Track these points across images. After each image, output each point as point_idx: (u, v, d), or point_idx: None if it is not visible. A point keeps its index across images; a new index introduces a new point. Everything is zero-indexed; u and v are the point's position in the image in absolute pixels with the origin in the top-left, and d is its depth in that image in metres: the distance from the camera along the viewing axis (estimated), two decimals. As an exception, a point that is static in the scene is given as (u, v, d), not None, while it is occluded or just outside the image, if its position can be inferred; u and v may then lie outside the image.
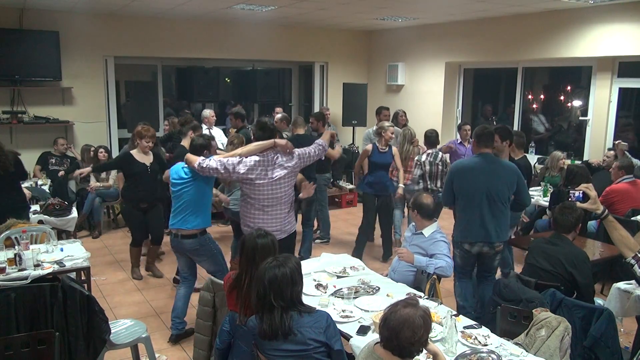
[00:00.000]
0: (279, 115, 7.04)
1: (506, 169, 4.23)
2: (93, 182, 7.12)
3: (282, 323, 2.45)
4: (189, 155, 4.11)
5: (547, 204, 5.96)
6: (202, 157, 4.03)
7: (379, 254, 6.36)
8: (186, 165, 4.15)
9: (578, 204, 2.80)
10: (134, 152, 5.43)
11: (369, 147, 6.04)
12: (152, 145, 5.44)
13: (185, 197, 4.18)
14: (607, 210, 2.76)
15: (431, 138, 6.21)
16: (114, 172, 7.20)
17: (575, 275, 3.52)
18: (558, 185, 6.04)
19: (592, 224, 5.55)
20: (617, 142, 6.45)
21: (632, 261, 2.65)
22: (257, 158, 3.90)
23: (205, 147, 4.29)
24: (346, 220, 7.80)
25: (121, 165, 5.61)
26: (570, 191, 2.84)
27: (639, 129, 7.23)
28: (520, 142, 5.37)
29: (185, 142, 5.39)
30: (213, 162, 3.91)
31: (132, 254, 5.71)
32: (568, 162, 6.81)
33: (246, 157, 3.90)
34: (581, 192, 2.79)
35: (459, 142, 7.55)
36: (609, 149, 6.64)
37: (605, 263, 4.68)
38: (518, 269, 4.51)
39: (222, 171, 3.89)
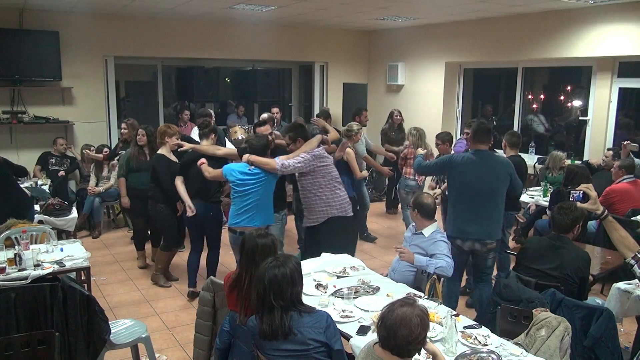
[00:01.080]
0: (264, 115, 7.04)
1: (501, 165, 4.26)
2: (92, 184, 7.12)
3: (282, 323, 2.45)
4: (257, 157, 4.30)
5: (547, 204, 5.96)
6: (277, 158, 4.35)
7: (375, 254, 6.36)
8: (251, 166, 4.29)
9: (578, 204, 2.80)
10: (163, 152, 5.25)
11: (352, 152, 5.70)
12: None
13: (255, 196, 4.30)
14: (607, 211, 2.76)
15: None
16: (114, 172, 7.20)
17: (581, 278, 3.52)
18: (559, 186, 6.03)
19: (592, 224, 5.55)
20: (625, 142, 6.37)
21: (632, 261, 2.65)
22: (319, 148, 4.51)
23: (268, 146, 4.49)
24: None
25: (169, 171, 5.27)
26: (571, 191, 2.84)
27: (639, 129, 7.23)
28: (513, 141, 5.40)
29: (206, 144, 5.30)
30: (293, 161, 4.34)
31: (162, 260, 5.48)
32: (568, 162, 6.80)
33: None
34: (581, 192, 2.79)
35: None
36: (608, 149, 6.63)
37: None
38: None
39: (307, 164, 4.38)
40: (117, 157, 6.72)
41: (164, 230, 5.47)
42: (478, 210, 4.17)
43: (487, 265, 4.35)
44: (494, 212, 4.22)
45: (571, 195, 2.82)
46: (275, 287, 2.47)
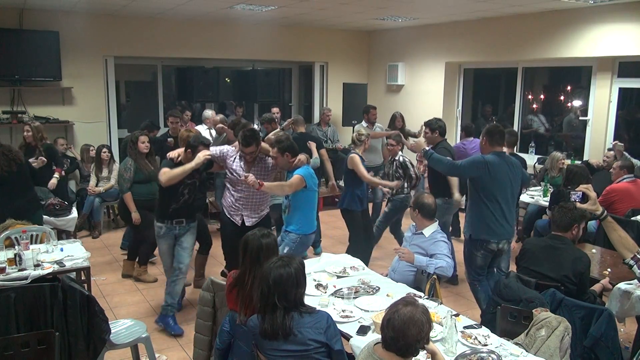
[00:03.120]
0: (217, 117, 7.20)
1: (517, 166, 4.49)
2: (92, 184, 7.11)
3: (284, 323, 2.45)
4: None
5: (547, 204, 5.96)
6: None
7: (375, 254, 6.35)
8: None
9: (578, 204, 2.80)
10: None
11: (356, 156, 5.33)
12: None
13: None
14: (606, 212, 2.76)
15: None
16: (115, 172, 7.20)
17: (579, 282, 3.51)
18: (559, 186, 6.03)
19: (592, 224, 5.55)
20: (614, 142, 6.45)
21: (632, 262, 2.66)
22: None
23: None
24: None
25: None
26: (571, 192, 2.84)
27: (638, 129, 7.22)
28: (510, 140, 5.42)
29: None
30: None
31: (203, 264, 5.47)
32: (568, 162, 6.80)
33: None
34: (581, 192, 2.79)
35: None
36: (609, 149, 6.63)
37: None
38: (514, 268, 4.53)
39: None
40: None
41: (203, 235, 5.35)
42: (509, 211, 4.32)
43: (499, 261, 4.60)
44: (515, 211, 4.62)
45: (571, 196, 2.82)
46: (279, 287, 2.46)
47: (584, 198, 2.78)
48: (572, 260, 3.52)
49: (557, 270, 3.52)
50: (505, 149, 5.35)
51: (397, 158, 5.71)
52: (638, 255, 2.64)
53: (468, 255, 4.45)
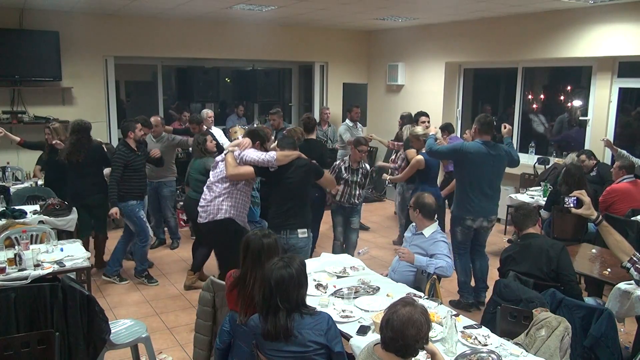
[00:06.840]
0: (157, 118, 6.91)
1: (503, 152, 4.88)
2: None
3: (286, 325, 2.44)
4: None
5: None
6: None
7: (375, 254, 6.35)
8: None
9: (573, 210, 2.82)
10: None
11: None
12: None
13: None
14: (601, 216, 2.78)
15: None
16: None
17: (557, 270, 3.56)
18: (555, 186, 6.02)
19: (592, 225, 5.56)
20: (601, 139, 6.50)
21: (628, 265, 2.67)
22: None
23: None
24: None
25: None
26: (565, 197, 2.86)
27: (638, 129, 7.22)
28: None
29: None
30: None
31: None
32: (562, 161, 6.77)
33: None
34: (575, 198, 2.81)
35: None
36: (578, 154, 6.39)
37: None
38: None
39: None
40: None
41: None
42: (489, 192, 4.82)
43: (486, 239, 5.10)
44: (498, 192, 4.93)
45: (565, 202, 2.85)
46: (281, 289, 2.46)
47: (579, 203, 2.80)
48: (543, 250, 3.63)
49: (534, 266, 3.61)
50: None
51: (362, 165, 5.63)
52: (634, 258, 2.65)
53: (451, 231, 5.02)
